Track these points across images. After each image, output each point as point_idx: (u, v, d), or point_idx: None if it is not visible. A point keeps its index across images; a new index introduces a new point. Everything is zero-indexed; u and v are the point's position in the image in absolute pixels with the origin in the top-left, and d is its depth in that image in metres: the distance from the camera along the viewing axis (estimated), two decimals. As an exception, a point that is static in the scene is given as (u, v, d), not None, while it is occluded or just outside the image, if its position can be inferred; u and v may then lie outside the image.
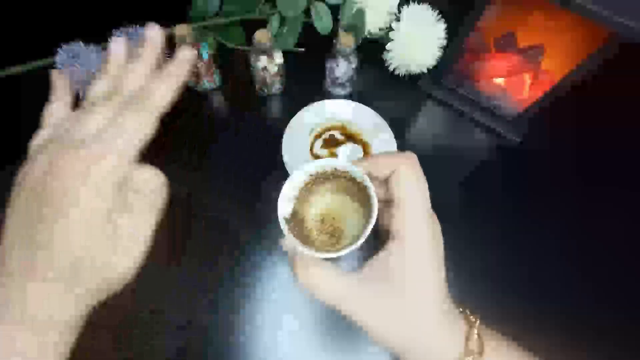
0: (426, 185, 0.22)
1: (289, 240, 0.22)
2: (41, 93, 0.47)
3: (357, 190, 0.25)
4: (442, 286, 0.22)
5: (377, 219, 0.25)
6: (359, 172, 0.23)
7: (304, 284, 0.22)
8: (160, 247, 0.39)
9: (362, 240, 0.22)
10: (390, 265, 0.21)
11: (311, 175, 0.25)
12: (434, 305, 0.21)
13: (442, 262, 0.22)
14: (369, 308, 0.21)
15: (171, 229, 0.40)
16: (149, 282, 0.37)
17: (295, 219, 0.25)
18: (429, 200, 0.22)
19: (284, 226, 0.23)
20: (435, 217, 0.23)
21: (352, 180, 0.24)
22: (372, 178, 0.23)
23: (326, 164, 0.24)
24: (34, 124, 0.47)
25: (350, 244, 0.22)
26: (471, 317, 0.22)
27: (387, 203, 0.23)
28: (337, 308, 0.22)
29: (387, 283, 0.21)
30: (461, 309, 0.23)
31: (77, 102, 0.46)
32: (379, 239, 0.24)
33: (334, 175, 0.25)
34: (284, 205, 0.24)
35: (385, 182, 0.23)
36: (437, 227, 0.23)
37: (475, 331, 0.21)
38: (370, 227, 0.22)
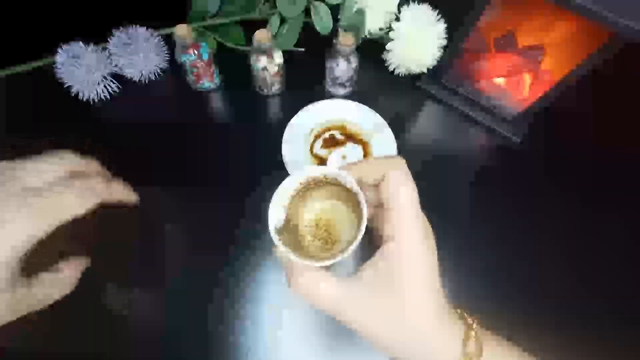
0: (415, 188, 0.22)
1: (281, 250, 0.22)
2: (41, 93, 0.47)
3: (348, 196, 0.25)
4: (437, 288, 0.22)
5: (371, 224, 0.25)
6: (348, 178, 0.23)
7: (299, 292, 0.22)
8: (159, 247, 0.39)
9: (354, 246, 0.21)
10: (384, 269, 0.21)
11: (301, 182, 0.25)
12: (430, 307, 0.21)
13: (435, 263, 0.22)
14: (364, 312, 0.21)
15: (170, 228, 0.41)
16: (149, 282, 0.38)
17: (288, 226, 0.25)
18: (418, 203, 0.22)
19: (274, 236, 0.23)
20: (426, 219, 0.23)
21: (343, 186, 0.24)
22: (363, 183, 0.23)
23: (316, 171, 0.24)
24: (32, 123, 0.46)
25: (343, 250, 0.22)
26: (469, 319, 0.22)
27: (379, 207, 0.23)
28: (333, 314, 0.22)
29: (381, 287, 0.21)
30: (459, 311, 0.23)
31: (76, 101, 0.46)
32: (373, 243, 0.24)
33: (325, 182, 0.25)
34: (275, 214, 0.24)
35: (377, 186, 0.23)
36: (429, 229, 0.23)
37: (473, 333, 0.21)
38: (361, 233, 0.21)
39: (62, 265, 0.28)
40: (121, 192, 0.29)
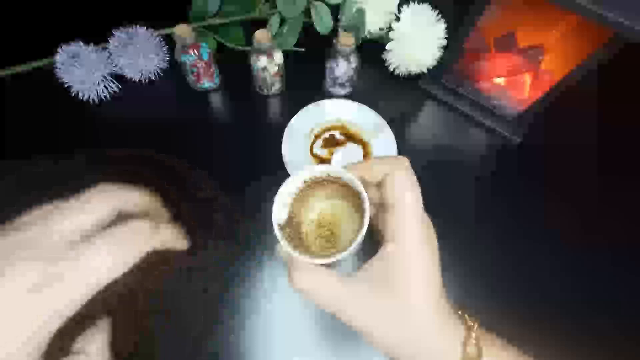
0: (419, 189, 0.22)
1: (283, 247, 0.22)
2: (41, 93, 0.47)
3: (351, 196, 0.25)
4: (437, 289, 0.22)
5: (373, 223, 0.26)
6: (351, 178, 0.23)
7: (300, 289, 0.22)
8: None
9: (355, 245, 0.22)
10: (384, 269, 0.21)
11: (305, 181, 0.25)
12: (430, 308, 0.21)
13: (437, 265, 0.22)
14: (364, 311, 0.21)
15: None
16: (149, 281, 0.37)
17: (291, 224, 0.25)
18: (421, 204, 0.22)
19: (278, 232, 0.23)
20: (429, 220, 0.23)
21: (346, 185, 0.24)
22: (366, 183, 0.23)
23: (320, 170, 0.24)
24: (32, 123, 0.46)
25: (345, 248, 0.22)
26: (470, 321, 0.22)
27: (382, 207, 0.23)
28: (333, 312, 0.22)
29: (381, 286, 0.21)
30: (460, 312, 0.23)
31: (76, 101, 0.46)
32: (375, 242, 0.24)
33: (329, 181, 0.25)
34: (278, 211, 0.24)
35: (380, 186, 0.23)
36: (432, 230, 0.23)
37: (474, 335, 0.21)
38: (362, 232, 0.22)
39: (83, 344, 0.20)
40: (171, 240, 0.22)
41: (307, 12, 0.49)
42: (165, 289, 0.38)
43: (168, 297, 0.37)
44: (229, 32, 0.51)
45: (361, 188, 0.22)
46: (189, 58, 0.44)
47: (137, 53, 0.45)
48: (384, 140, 0.46)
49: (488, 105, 0.50)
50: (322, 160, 0.45)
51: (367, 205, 0.22)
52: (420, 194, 0.22)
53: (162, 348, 0.35)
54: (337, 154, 0.46)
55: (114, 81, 0.47)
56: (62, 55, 0.44)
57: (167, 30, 0.49)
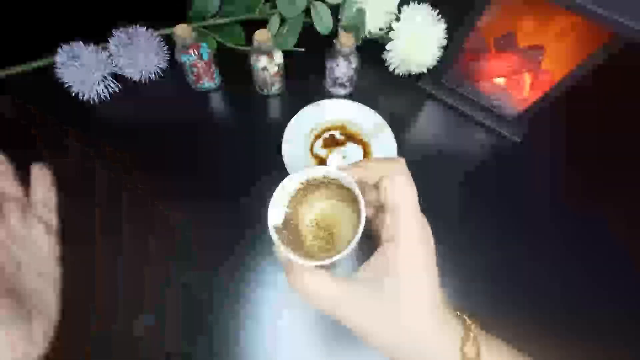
0: (415, 190, 0.22)
1: (279, 248, 0.22)
2: (41, 93, 0.47)
3: (348, 197, 0.25)
4: (435, 289, 0.22)
5: (370, 224, 0.26)
6: (348, 179, 0.23)
7: (298, 290, 0.22)
8: (161, 246, 0.39)
9: (351, 246, 0.21)
10: (382, 270, 0.21)
11: (301, 182, 0.25)
12: (428, 308, 0.21)
13: (434, 265, 0.22)
14: (362, 312, 0.21)
15: (171, 228, 0.41)
16: (150, 283, 0.38)
17: (289, 225, 0.25)
18: (418, 204, 0.22)
19: (273, 235, 0.23)
20: (425, 220, 0.23)
21: (344, 187, 0.24)
22: (363, 184, 0.23)
23: (316, 171, 0.24)
24: (32, 124, 0.46)
25: (342, 250, 0.22)
26: (468, 321, 0.22)
27: (380, 208, 0.23)
28: (331, 313, 0.22)
29: (379, 287, 0.21)
30: (458, 313, 0.23)
31: (76, 101, 0.46)
32: (373, 243, 0.24)
33: (326, 182, 0.25)
34: (274, 214, 0.24)
35: (377, 187, 0.23)
36: (428, 231, 0.23)
37: (472, 335, 0.21)
38: (359, 234, 0.22)
39: None
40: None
41: (307, 12, 0.49)
42: (165, 291, 0.38)
43: (167, 300, 0.37)
44: (229, 32, 0.51)
45: (357, 189, 0.22)
46: (189, 58, 0.44)
47: (137, 53, 0.45)
48: (384, 140, 0.46)
49: (488, 105, 0.50)
50: (322, 160, 0.45)
51: (363, 206, 0.22)
52: (416, 195, 0.22)
53: (161, 351, 0.35)
54: (333, 154, 0.46)
55: (114, 81, 0.47)
56: (62, 55, 0.44)
57: (167, 30, 0.49)
